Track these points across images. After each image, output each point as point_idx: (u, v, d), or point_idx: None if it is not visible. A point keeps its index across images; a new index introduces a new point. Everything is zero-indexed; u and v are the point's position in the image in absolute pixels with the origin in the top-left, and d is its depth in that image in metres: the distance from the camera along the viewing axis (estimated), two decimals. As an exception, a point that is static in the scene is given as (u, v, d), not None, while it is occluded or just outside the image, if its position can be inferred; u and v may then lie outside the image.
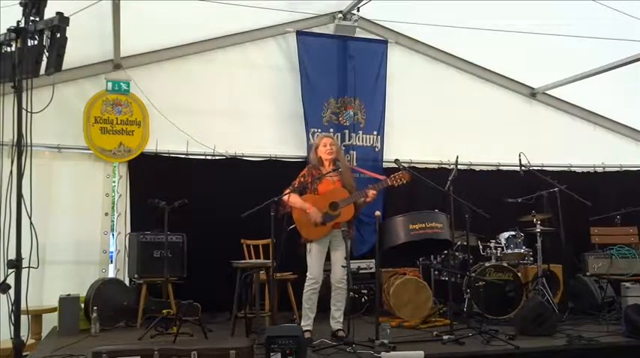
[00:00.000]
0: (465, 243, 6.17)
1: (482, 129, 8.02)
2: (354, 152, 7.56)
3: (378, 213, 5.34)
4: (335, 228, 5.27)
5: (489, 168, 8.15)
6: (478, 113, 8.09)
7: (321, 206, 5.26)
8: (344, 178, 5.42)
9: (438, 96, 7.94)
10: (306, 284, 5.31)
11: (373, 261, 6.72)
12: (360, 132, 7.62)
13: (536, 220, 6.57)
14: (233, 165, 7.16)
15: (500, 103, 8.35)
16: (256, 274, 5.50)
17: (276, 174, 6.52)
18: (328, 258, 5.39)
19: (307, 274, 5.31)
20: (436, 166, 7.79)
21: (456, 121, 7.94)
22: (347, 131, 7.57)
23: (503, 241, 6.84)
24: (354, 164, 7.39)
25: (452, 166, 6.10)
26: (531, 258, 6.82)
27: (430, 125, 7.86)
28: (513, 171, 7.17)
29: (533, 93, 8.59)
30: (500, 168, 8.13)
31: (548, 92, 8.58)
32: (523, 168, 6.56)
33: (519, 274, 6.62)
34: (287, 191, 5.29)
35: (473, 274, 6.37)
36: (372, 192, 5.25)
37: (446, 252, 6.60)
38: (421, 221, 5.47)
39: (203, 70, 7.23)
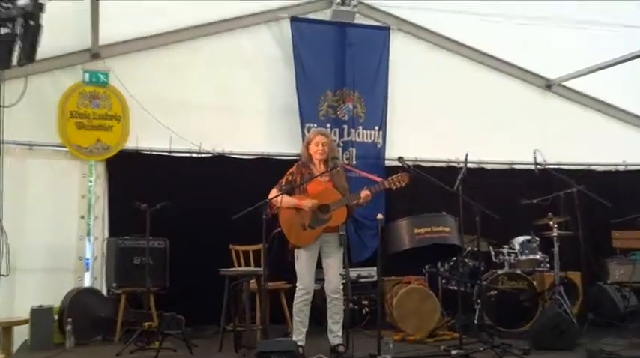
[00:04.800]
0: (476, 249, 6.18)
1: (494, 125, 8.00)
2: (354, 149, 7.53)
3: (380, 215, 5.33)
4: (326, 232, 5.22)
5: (502, 166, 8.14)
6: (489, 107, 8.07)
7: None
8: (336, 178, 5.38)
9: (446, 88, 7.91)
10: (296, 295, 5.26)
11: (375, 268, 6.72)
12: (360, 127, 7.59)
13: (553, 223, 6.55)
14: (221, 164, 7.13)
15: (513, 96, 8.32)
16: (246, 283, 5.47)
17: (268, 173, 6.41)
18: (319, 265, 5.35)
19: (297, 284, 5.27)
20: (444, 164, 7.77)
21: (466, 116, 7.92)
22: (345, 126, 7.53)
23: (517, 246, 6.84)
24: (354, 162, 7.37)
25: (461, 164, 6.10)
26: (547, 265, 6.80)
27: (437, 120, 7.84)
28: (528, 169, 7.16)
29: (548, 85, 8.56)
30: (514, 166, 8.12)
31: (565, 84, 8.55)
32: (538, 166, 6.55)
33: (534, 282, 6.62)
34: (274, 190, 5.28)
35: (484, 282, 6.36)
36: (365, 194, 5.17)
37: (454, 258, 6.58)
38: (427, 224, 5.47)
39: (189, 61, 7.19)
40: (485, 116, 7.99)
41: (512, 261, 6.75)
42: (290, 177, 5.38)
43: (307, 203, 5.17)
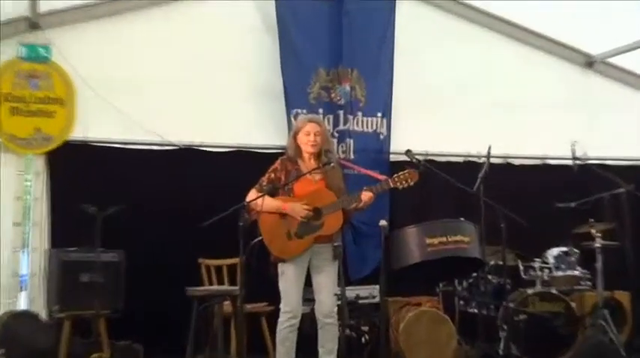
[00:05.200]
0: (501, 263, 6.18)
1: (523, 111, 8.01)
2: (351, 140, 7.50)
3: (383, 222, 5.25)
4: (317, 242, 5.15)
5: (532, 161, 8.15)
6: (517, 89, 8.07)
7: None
8: (330, 177, 5.32)
9: (465, 67, 7.92)
10: (280, 319, 5.20)
11: (377, 287, 6.63)
12: (360, 113, 7.56)
13: (596, 232, 6.52)
14: (189, 159, 7.10)
15: (547, 76, 8.32)
16: (219, 305, 5.50)
17: (246, 169, 6.39)
18: (309, 283, 5.30)
19: (281, 306, 5.20)
20: (461, 160, 7.79)
21: (489, 100, 7.92)
22: (341, 112, 7.49)
23: (551, 260, 6.82)
24: (351, 156, 7.36)
25: (482, 159, 6.12)
26: (589, 283, 6.79)
27: (454, 105, 7.85)
28: (564, 165, 7.20)
29: (589, 62, 8.56)
30: (547, 161, 8.13)
31: (609, 60, 8.56)
32: (577, 161, 6.59)
33: (573, 304, 6.57)
34: (253, 191, 5.24)
35: (511, 304, 6.31)
36: (365, 195, 5.12)
37: (475, 274, 6.58)
38: (442, 233, 5.48)
39: (148, 32, 7.13)
40: (512, 101, 7.99)
41: (545, 278, 6.71)
42: (273, 175, 5.32)
43: (295, 207, 5.11)
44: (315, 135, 5.28)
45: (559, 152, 7.43)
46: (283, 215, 5.16)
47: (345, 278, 5.33)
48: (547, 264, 6.80)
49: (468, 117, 7.84)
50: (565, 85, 8.38)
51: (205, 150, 7.19)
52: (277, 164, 5.38)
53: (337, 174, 5.41)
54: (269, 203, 5.13)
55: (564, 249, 6.82)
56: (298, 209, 5.11)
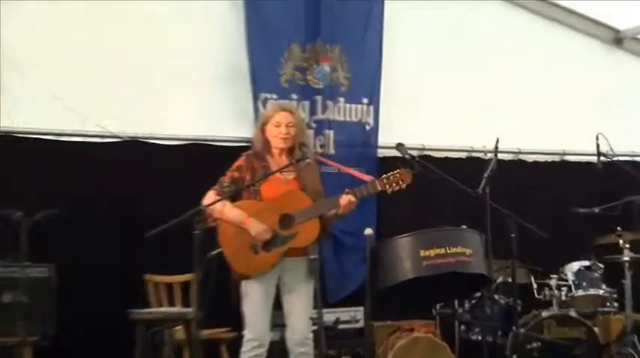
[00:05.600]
0: (510, 280, 6.17)
1: (538, 98, 8.08)
2: (331, 132, 7.53)
3: (369, 231, 5.30)
4: (289, 255, 5.14)
5: (548, 158, 8.24)
6: (531, 71, 8.13)
7: (267, 221, 5.14)
8: (304, 176, 5.31)
9: (468, 45, 7.98)
10: (242, 348, 5.17)
11: (361, 309, 6.61)
12: (342, 99, 7.59)
13: (624, 242, 6.56)
14: (135, 153, 7.07)
15: (567, 54, 8.40)
16: (170, 330, 5.55)
17: (203, 167, 6.42)
18: (278, 305, 5.30)
19: (244, 332, 5.19)
20: (464, 155, 7.87)
21: (497, 85, 7.99)
22: (319, 98, 7.52)
23: (570, 276, 6.82)
24: (331, 151, 7.38)
25: (489, 155, 6.11)
26: (616, 304, 6.80)
27: (455, 91, 7.91)
28: (586, 163, 7.21)
29: (618, 39, 8.67)
30: (566, 158, 8.22)
31: (640, 37, 8.66)
32: (602, 158, 6.55)
33: (596, 329, 6.60)
34: (211, 193, 5.20)
35: (522, 330, 6.31)
36: (347, 199, 5.10)
37: (479, 294, 6.55)
38: (440, 244, 5.39)
39: (88, 6, 7.03)
40: (524, 85, 8.07)
41: (563, 298, 6.71)
42: (236, 174, 5.30)
43: (258, 228, 5.08)
44: (287, 126, 5.26)
45: (580, 146, 7.50)
46: (248, 221, 5.19)
47: (323, 299, 5.33)
48: (565, 281, 6.79)
49: (472, 105, 7.90)
50: (589, 65, 8.46)
51: (154, 144, 7.16)
52: (241, 161, 5.36)
53: (313, 173, 5.40)
54: (230, 211, 5.13)
55: (586, 263, 6.81)
56: (260, 230, 5.07)
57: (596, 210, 6.93)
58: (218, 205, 5.06)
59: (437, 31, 7.91)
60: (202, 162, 6.89)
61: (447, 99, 7.85)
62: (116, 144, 7.08)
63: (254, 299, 5.16)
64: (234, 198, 5.18)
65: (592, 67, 8.46)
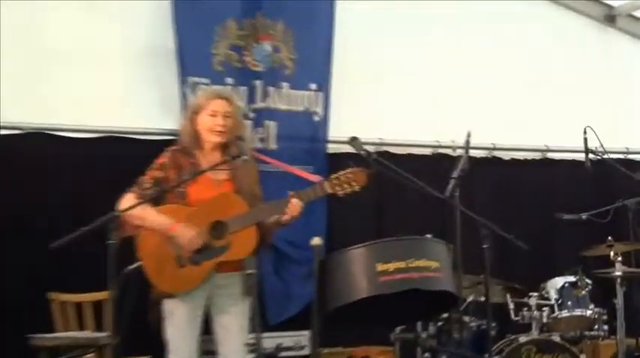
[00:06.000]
0: (483, 299, 6.20)
1: (518, 85, 8.19)
2: (273, 123, 7.58)
3: (317, 240, 5.30)
4: (220, 270, 5.16)
5: (528, 155, 8.33)
6: (507, 53, 8.25)
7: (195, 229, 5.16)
8: (240, 176, 5.33)
9: (432, 24, 8.06)
10: (165, 380, 5.23)
11: (307, 333, 6.65)
12: (286, 85, 7.65)
13: (615, 255, 6.58)
14: (38, 148, 7.05)
15: (551, 34, 8.52)
16: None
17: (120, 164, 6.48)
18: (207, 328, 5.29)
19: (167, 360, 5.25)
20: (429, 151, 7.93)
21: (467, 70, 8.08)
22: (259, 82, 7.57)
23: (553, 294, 6.87)
24: (273, 146, 7.43)
25: (459, 152, 6.13)
26: (605, 326, 6.84)
27: (419, 76, 8.00)
28: (572, 161, 7.38)
29: (610, 16, 8.77)
30: (549, 155, 8.32)
31: (636, 14, 8.77)
32: (591, 155, 6.61)
33: (583, 357, 6.69)
34: (129, 196, 5.17)
35: (496, 357, 6.38)
36: (291, 204, 5.14)
37: (446, 315, 6.57)
38: (400, 256, 5.33)
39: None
40: (499, 70, 8.18)
41: (545, 320, 6.78)
42: (159, 173, 5.27)
43: (187, 234, 5.07)
44: (224, 116, 5.28)
45: (566, 142, 7.61)
46: (172, 232, 5.18)
47: (262, 322, 5.39)
48: (547, 300, 6.84)
49: (440, 92, 8.00)
50: (576, 46, 8.58)
51: (61, 136, 7.15)
52: (165, 157, 5.34)
53: (251, 173, 5.43)
54: (151, 216, 5.11)
55: (572, 278, 6.84)
56: (190, 237, 5.06)
57: (584, 216, 7.01)
58: (137, 210, 5.02)
59: (398, 5, 7.94)
60: (118, 158, 6.91)
61: (410, 86, 7.93)
62: (15, 137, 7.05)
63: (179, 322, 5.16)
64: (156, 201, 5.15)
65: (580, 48, 8.58)
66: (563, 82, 8.27)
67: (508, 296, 6.87)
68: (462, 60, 8.06)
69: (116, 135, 7.26)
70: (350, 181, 5.15)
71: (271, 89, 7.58)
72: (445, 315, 6.58)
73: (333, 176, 5.20)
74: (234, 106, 5.43)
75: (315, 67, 7.72)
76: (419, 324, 6.72)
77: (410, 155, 7.68)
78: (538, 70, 8.27)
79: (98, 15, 7.33)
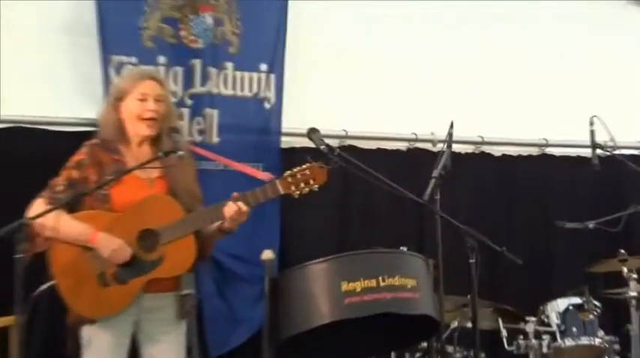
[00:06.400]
0: (470, 325, 6.07)
1: (509, 67, 8.21)
2: (215, 111, 7.56)
3: (268, 253, 5.30)
4: (150, 290, 5.16)
5: (523, 150, 8.35)
6: (499, 31, 8.29)
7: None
8: (175, 175, 5.32)
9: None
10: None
11: (256, 365, 6.68)
12: (230, 65, 7.64)
13: (629, 271, 6.67)
14: None
15: (552, 10, 8.49)
16: None
17: (29, 160, 6.38)
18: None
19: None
20: (404, 146, 7.93)
21: (449, 48, 8.12)
22: (198, 62, 7.55)
23: (555, 319, 6.91)
24: (215, 139, 7.41)
25: (440, 146, 6.13)
26: (617, 357, 6.90)
27: (392, 56, 7.99)
28: (577, 157, 7.47)
29: None
30: (548, 150, 8.33)
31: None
32: (599, 150, 6.66)
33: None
34: (39, 202, 5.16)
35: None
36: (235, 208, 5.13)
37: (425, 344, 6.59)
38: (369, 273, 5.33)
39: None
40: (488, 49, 8.22)
41: (544, 351, 6.80)
42: (75, 173, 5.26)
43: (113, 243, 5.05)
44: (155, 100, 5.27)
45: (568, 135, 7.68)
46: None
47: (202, 353, 5.37)
48: (548, 325, 6.86)
49: (417, 76, 8.01)
50: (586, 28, 8.58)
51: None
52: (82, 154, 5.32)
53: (188, 171, 5.42)
54: (67, 225, 5.06)
55: (576, 300, 6.87)
56: (114, 247, 5.04)
57: (591, 224, 7.02)
58: (50, 218, 4.96)
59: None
60: (26, 153, 6.91)
61: (381, 69, 7.93)
62: None
63: (100, 353, 5.15)
64: (73, 207, 5.12)
65: (589, 29, 8.58)
66: (565, 62, 8.29)
67: (500, 321, 6.84)
68: (444, 40, 8.08)
69: (22, 125, 7.20)
70: (307, 179, 5.16)
71: (213, 70, 7.55)
72: (424, 344, 6.61)
73: (288, 173, 5.21)
74: (165, 90, 5.43)
75: (265, 44, 7.71)
76: (392, 354, 6.79)
77: (380, 150, 7.69)
78: (534, 49, 8.29)
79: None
